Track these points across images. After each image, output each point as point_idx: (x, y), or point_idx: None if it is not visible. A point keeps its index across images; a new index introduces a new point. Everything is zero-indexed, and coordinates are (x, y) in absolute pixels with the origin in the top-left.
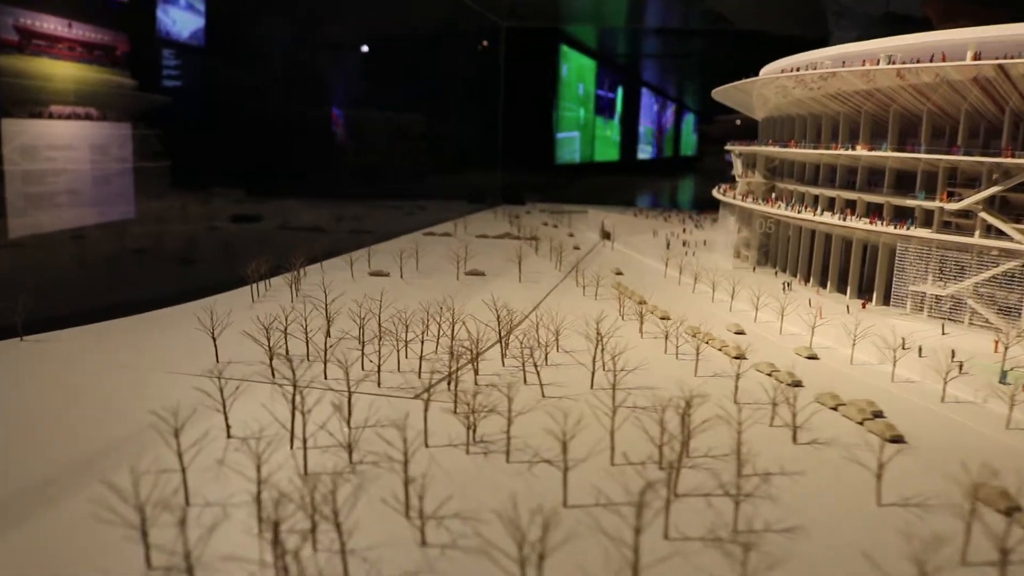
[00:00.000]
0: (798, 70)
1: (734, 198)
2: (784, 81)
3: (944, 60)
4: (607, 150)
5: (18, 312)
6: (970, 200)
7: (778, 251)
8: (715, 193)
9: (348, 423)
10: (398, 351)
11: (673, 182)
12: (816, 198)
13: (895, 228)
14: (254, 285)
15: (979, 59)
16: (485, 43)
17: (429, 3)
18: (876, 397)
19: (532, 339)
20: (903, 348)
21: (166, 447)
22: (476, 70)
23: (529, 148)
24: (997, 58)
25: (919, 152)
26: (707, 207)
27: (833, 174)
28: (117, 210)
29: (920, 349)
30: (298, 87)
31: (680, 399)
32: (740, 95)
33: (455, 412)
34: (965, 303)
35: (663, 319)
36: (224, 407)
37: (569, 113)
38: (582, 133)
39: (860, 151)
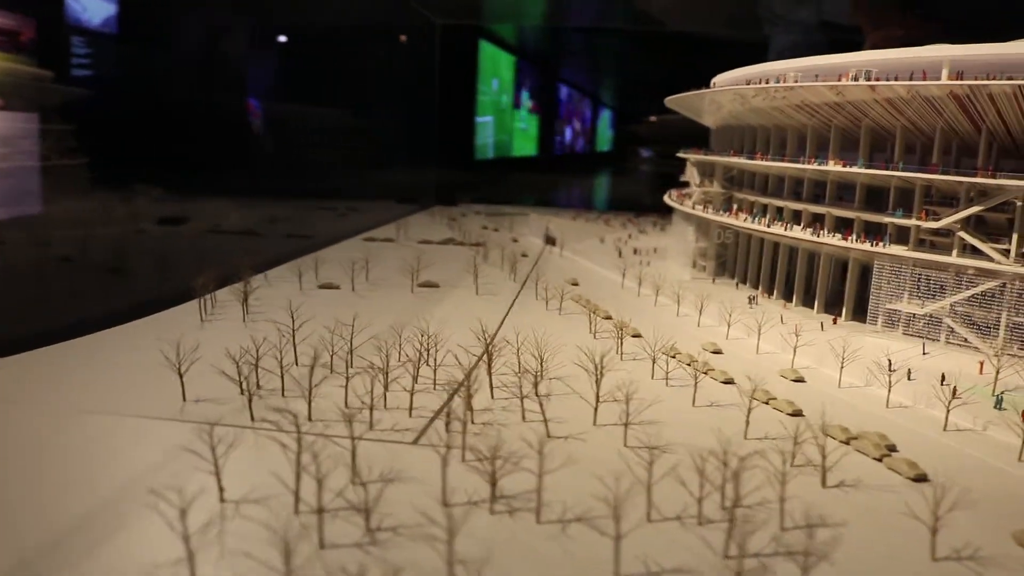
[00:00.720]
0: (766, 81)
1: (693, 207)
2: (745, 91)
3: (924, 78)
4: (525, 144)
5: None
6: (950, 219)
7: (736, 262)
8: (668, 200)
9: (359, 480)
10: (385, 387)
11: (595, 179)
12: (780, 210)
13: (871, 246)
14: (200, 301)
15: (960, 78)
16: (403, 37)
17: None
18: (877, 426)
19: (515, 365)
20: (890, 370)
21: (151, 521)
22: (409, 67)
23: (453, 145)
24: (976, 77)
25: (895, 169)
26: (642, 210)
27: (799, 186)
28: (20, 209)
29: (909, 372)
30: (220, 80)
31: (702, 449)
32: (690, 101)
33: (464, 460)
34: (941, 321)
35: (635, 336)
36: (216, 466)
37: (485, 97)
38: (498, 126)
39: (835, 166)
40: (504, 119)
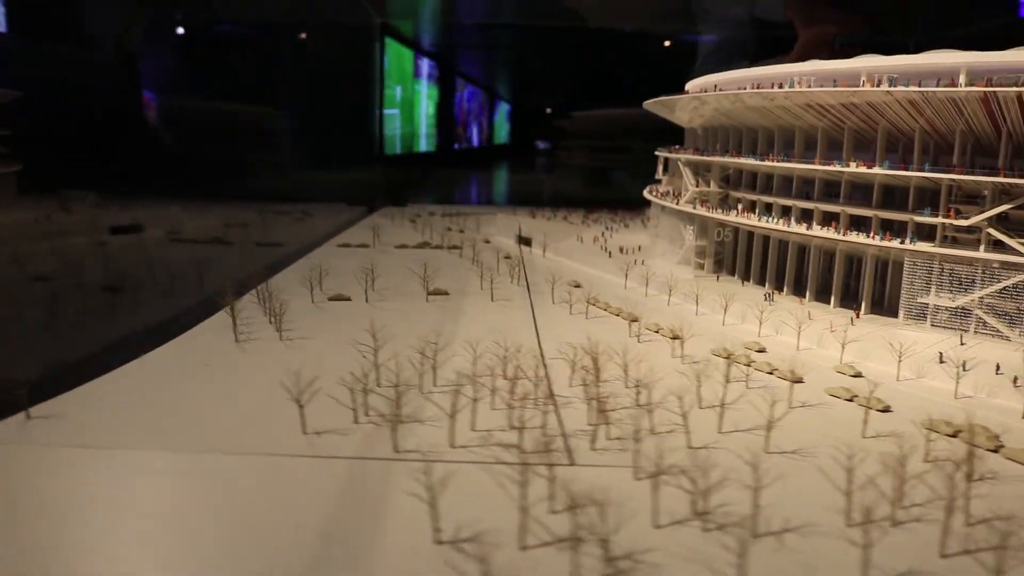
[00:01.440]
0: (760, 86)
1: (695, 207)
2: (774, 94)
3: (953, 84)
4: (426, 140)
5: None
6: (979, 218)
7: (736, 259)
8: (650, 197)
9: (569, 506)
10: (507, 406)
11: (515, 175)
12: (786, 208)
13: (900, 243)
14: (231, 318)
15: (990, 84)
16: (303, 35)
17: None
18: (958, 417)
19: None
20: (940, 362)
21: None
22: (352, 65)
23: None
24: (991, 81)
25: (919, 169)
26: (591, 205)
27: (807, 186)
28: None
29: (964, 364)
30: (152, 77)
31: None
32: (672, 102)
33: (636, 478)
34: (969, 313)
35: (675, 339)
36: (433, 500)
37: (390, 91)
38: (404, 120)
39: (858, 167)
40: (412, 112)
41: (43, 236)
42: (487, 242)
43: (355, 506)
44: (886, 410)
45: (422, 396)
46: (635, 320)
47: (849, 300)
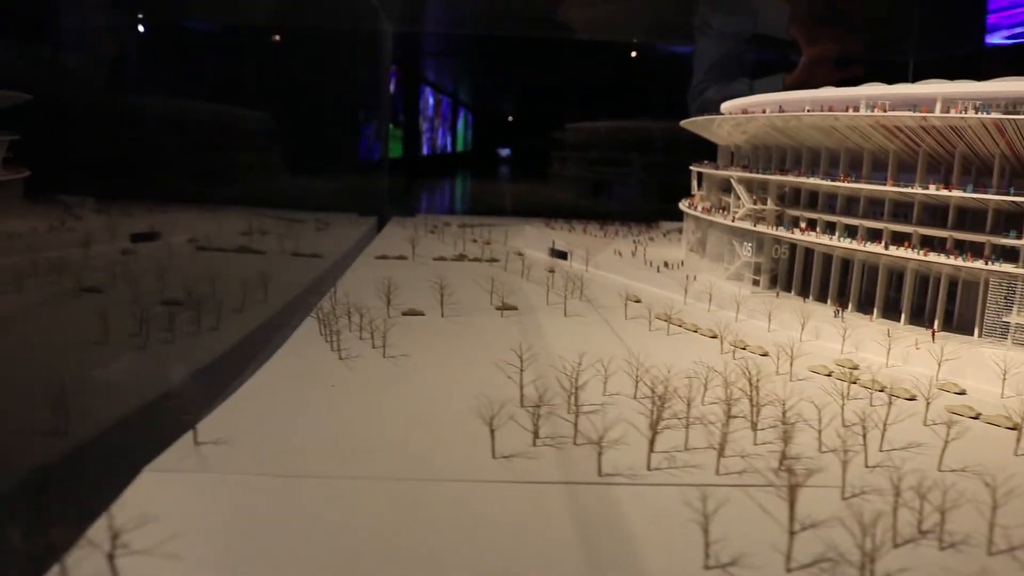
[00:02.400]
0: (827, 108)
1: (755, 224)
2: (834, 118)
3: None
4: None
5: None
6: None
7: (792, 276)
8: (688, 210)
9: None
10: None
11: (506, 184)
12: (851, 228)
13: (985, 264)
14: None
15: None
16: (277, 37)
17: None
18: None
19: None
20: None
21: None
22: (366, 73)
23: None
24: None
25: (1004, 193)
26: (590, 217)
27: (877, 206)
28: None
29: None
30: (151, 80)
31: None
32: (707, 122)
33: (843, 498)
34: None
35: (763, 355)
36: (707, 525)
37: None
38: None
39: (939, 190)
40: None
41: (68, 244)
42: (520, 254)
43: (602, 532)
44: (1015, 428)
45: (576, 416)
46: (715, 336)
47: (917, 317)
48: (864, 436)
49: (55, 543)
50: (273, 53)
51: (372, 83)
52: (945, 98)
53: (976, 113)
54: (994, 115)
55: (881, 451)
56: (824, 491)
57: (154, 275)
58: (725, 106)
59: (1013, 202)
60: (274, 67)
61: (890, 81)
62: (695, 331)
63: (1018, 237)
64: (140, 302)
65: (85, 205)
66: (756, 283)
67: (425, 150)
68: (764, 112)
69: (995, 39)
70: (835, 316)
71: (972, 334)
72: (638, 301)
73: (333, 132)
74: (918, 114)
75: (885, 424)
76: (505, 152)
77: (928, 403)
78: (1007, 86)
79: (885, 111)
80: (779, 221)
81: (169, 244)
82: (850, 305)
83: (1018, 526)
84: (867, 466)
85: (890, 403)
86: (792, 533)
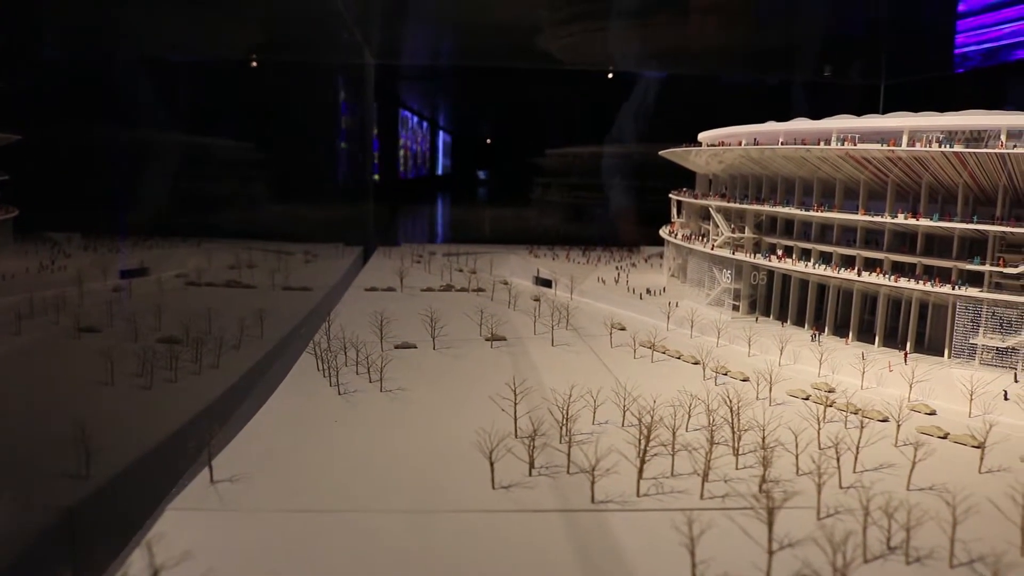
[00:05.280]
0: (797, 140)
1: (733, 252)
2: (787, 150)
3: (1002, 144)
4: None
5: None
6: None
7: (771, 302)
8: (669, 238)
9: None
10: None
11: (484, 210)
12: (826, 255)
13: (952, 289)
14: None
15: None
16: (254, 63)
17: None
18: None
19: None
20: (1005, 399)
21: None
22: (350, 104)
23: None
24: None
25: (968, 221)
26: (573, 243)
27: (850, 233)
28: None
29: (1005, 394)
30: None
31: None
32: (684, 152)
33: (819, 518)
34: (1014, 351)
35: (743, 380)
36: (693, 548)
37: None
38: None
39: (908, 219)
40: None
41: (61, 283)
42: (505, 283)
43: (598, 557)
44: (980, 446)
45: (566, 446)
46: (697, 363)
47: (889, 340)
48: (838, 459)
49: None
50: (257, 85)
51: (355, 113)
52: (911, 130)
53: (940, 146)
54: (957, 148)
55: (855, 472)
56: (801, 512)
57: (148, 312)
58: (703, 136)
59: (976, 230)
60: (258, 99)
61: (861, 105)
62: (678, 357)
63: (982, 263)
64: (139, 341)
65: (72, 241)
66: (736, 308)
67: (408, 174)
68: (740, 143)
69: (967, 53)
70: (812, 340)
71: (943, 355)
72: (623, 329)
73: (317, 162)
74: (885, 148)
75: (858, 447)
76: (483, 175)
77: (899, 425)
78: (970, 119)
79: (855, 144)
80: (757, 248)
81: (159, 280)
82: (827, 329)
83: (977, 540)
84: (841, 487)
85: (862, 426)
86: (771, 553)
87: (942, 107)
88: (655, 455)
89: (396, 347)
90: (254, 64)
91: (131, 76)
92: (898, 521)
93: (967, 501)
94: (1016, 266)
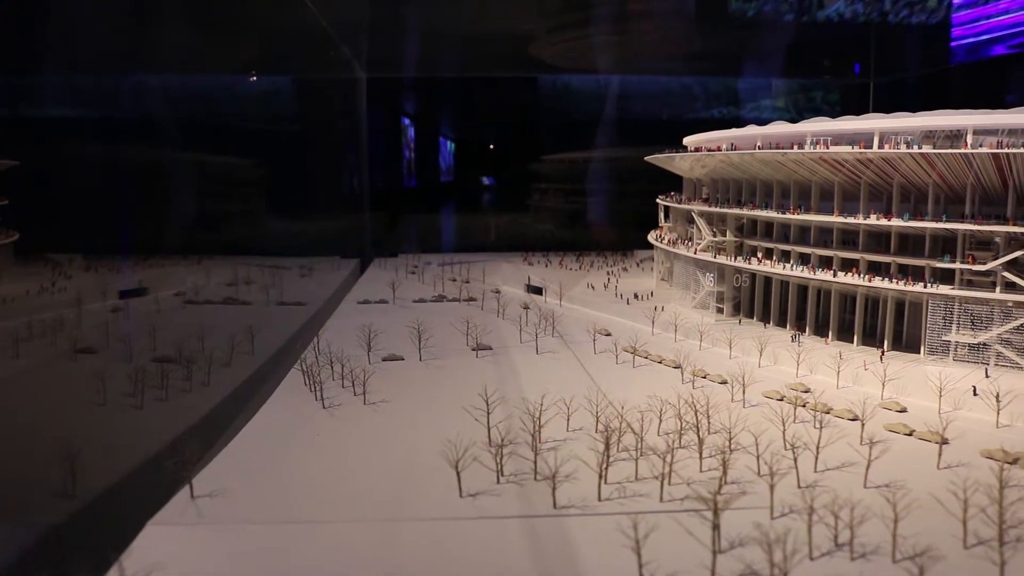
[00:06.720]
0: (774, 144)
1: (716, 256)
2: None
3: (966, 145)
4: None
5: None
6: (995, 263)
7: (754, 304)
8: (657, 243)
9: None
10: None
11: (478, 216)
12: (805, 256)
13: (924, 287)
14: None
15: (1003, 144)
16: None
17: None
18: (1008, 445)
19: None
20: (974, 395)
21: None
22: (345, 118)
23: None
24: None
25: (939, 220)
26: (554, 248)
27: (827, 235)
28: None
29: (974, 389)
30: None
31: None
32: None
33: (773, 517)
34: (987, 347)
35: (722, 383)
36: (639, 550)
37: None
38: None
39: (880, 219)
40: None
41: (60, 305)
42: (497, 292)
43: (554, 560)
44: (944, 442)
45: (535, 453)
46: (678, 367)
47: (868, 338)
48: (795, 459)
49: None
50: (254, 102)
51: (350, 127)
52: (882, 132)
53: (908, 148)
54: (925, 149)
55: (816, 471)
56: (756, 512)
57: (144, 332)
58: (688, 140)
59: (947, 229)
60: (255, 115)
61: (854, 103)
62: (660, 362)
63: (952, 261)
64: (133, 361)
65: (73, 262)
66: (720, 311)
67: (411, 183)
68: (720, 148)
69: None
70: (792, 340)
71: (919, 352)
72: (608, 334)
73: (312, 176)
74: (856, 150)
75: (818, 446)
76: (488, 181)
77: (863, 424)
78: (941, 119)
79: (828, 147)
80: (739, 251)
81: (157, 299)
82: (808, 329)
83: (919, 534)
84: (799, 487)
85: (823, 425)
86: (715, 553)
87: (941, 104)
88: (620, 460)
89: (384, 359)
90: (253, 78)
91: (127, 95)
92: (843, 520)
93: (918, 497)
94: (985, 263)
